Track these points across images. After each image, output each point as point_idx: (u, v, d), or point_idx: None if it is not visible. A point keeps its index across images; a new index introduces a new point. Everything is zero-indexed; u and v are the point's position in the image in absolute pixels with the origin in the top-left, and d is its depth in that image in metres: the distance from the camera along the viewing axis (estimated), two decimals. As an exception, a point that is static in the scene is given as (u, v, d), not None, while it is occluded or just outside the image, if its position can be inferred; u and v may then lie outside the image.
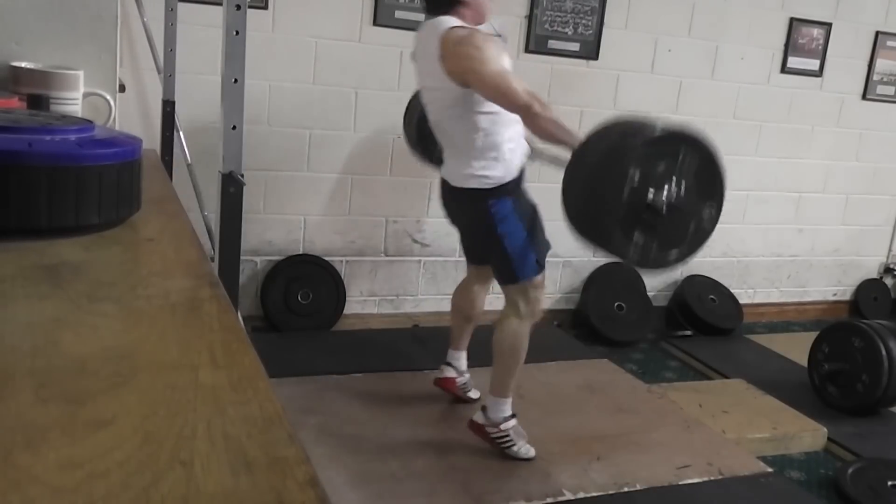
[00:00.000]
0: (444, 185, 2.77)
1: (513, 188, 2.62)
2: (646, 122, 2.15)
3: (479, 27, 2.58)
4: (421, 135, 3.16)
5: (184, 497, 0.52)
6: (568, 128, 2.38)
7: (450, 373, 3.08)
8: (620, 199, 2.02)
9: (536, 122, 2.39)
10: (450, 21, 2.50)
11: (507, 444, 2.73)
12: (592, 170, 2.11)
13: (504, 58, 2.53)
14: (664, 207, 2.04)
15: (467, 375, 3.13)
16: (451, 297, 3.17)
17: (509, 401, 2.75)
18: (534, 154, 2.75)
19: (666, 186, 2.05)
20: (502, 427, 2.72)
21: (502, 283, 2.77)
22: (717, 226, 5.08)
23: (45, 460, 0.54)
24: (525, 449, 2.74)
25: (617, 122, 2.22)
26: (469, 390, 3.13)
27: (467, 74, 2.44)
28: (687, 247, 2.18)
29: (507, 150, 2.59)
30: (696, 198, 2.11)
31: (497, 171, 2.58)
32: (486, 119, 2.54)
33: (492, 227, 2.62)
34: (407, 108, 3.30)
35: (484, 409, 2.76)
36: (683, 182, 2.08)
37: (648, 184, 2.04)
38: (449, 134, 2.66)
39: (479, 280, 3.00)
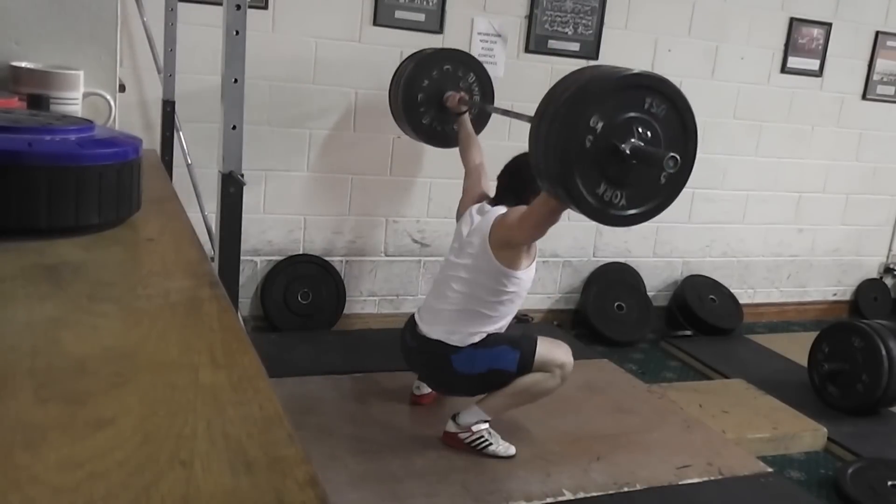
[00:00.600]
0: (413, 336, 2.81)
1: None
2: (610, 69, 2.07)
3: None
4: (407, 102, 3.38)
5: (184, 497, 0.52)
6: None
7: (425, 389, 3.08)
8: (583, 149, 1.94)
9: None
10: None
11: (483, 445, 2.73)
12: (555, 119, 2.02)
13: None
14: (629, 154, 1.94)
15: None
16: None
17: (487, 419, 2.75)
18: (491, 108, 2.84)
19: (631, 135, 1.96)
20: (474, 429, 2.74)
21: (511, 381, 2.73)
22: (717, 225, 5.09)
23: (45, 460, 0.54)
24: (504, 447, 2.75)
25: (581, 70, 2.14)
26: None
27: (509, 228, 2.60)
28: (656, 202, 2.08)
29: (495, 328, 2.72)
30: (664, 147, 2.00)
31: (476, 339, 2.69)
32: (506, 298, 2.68)
33: (465, 375, 2.69)
34: (393, 77, 3.55)
35: (455, 416, 2.77)
36: (649, 131, 1.99)
37: (613, 132, 1.95)
38: (464, 291, 2.70)
39: None
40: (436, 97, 3.39)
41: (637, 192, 2.05)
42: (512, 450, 2.75)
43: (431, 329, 2.74)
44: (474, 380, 2.71)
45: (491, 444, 2.74)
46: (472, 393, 2.80)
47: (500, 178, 2.86)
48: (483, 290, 2.68)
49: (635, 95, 2.00)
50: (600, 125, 1.95)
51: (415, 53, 3.55)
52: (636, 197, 2.05)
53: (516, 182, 2.75)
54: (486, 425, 2.75)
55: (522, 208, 2.57)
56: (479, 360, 2.67)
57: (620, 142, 1.96)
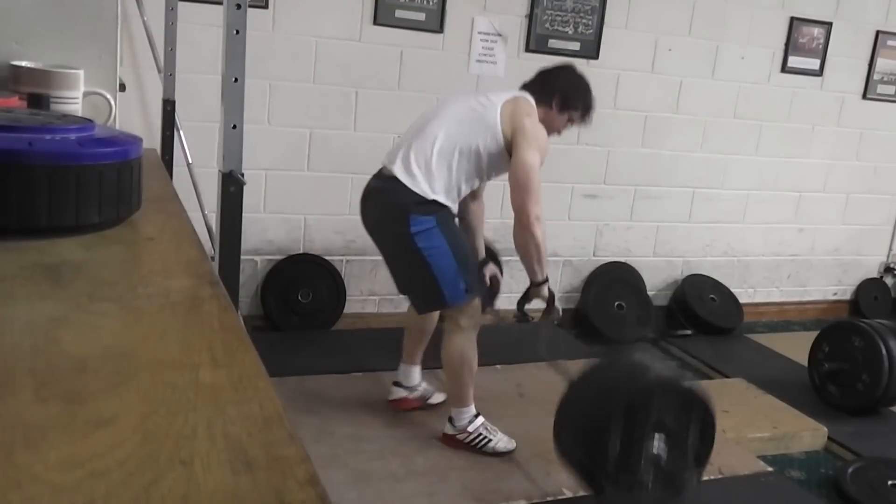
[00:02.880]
0: (378, 179, 2.70)
1: (437, 209, 2.57)
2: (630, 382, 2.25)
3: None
4: None
5: (184, 496, 0.52)
6: (542, 261, 2.55)
7: (399, 394, 3.03)
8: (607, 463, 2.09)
9: (525, 234, 2.52)
10: (532, 101, 2.68)
11: (483, 443, 2.74)
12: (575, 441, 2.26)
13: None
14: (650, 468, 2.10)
15: (422, 386, 3.06)
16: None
17: (471, 406, 2.76)
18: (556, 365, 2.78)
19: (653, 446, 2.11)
20: (470, 429, 2.74)
21: (429, 310, 2.72)
22: (718, 224, 5.07)
23: (45, 459, 0.54)
24: (503, 443, 2.75)
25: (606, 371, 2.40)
26: (430, 396, 3.07)
27: (517, 139, 2.55)
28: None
29: (455, 192, 2.63)
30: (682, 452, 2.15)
31: (433, 195, 2.57)
32: (475, 169, 2.62)
33: (410, 241, 2.54)
34: None
35: (450, 419, 2.78)
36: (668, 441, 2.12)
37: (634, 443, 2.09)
38: (441, 148, 2.59)
39: None
40: None
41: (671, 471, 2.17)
42: (512, 444, 2.75)
43: (397, 168, 2.62)
44: (409, 259, 2.58)
45: (490, 440, 2.74)
46: (395, 270, 2.73)
47: (533, 81, 2.77)
48: (483, 159, 2.58)
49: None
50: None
51: None
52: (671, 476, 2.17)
53: (547, 81, 2.73)
54: (482, 420, 2.76)
55: (538, 116, 2.59)
56: (438, 252, 2.54)
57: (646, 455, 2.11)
